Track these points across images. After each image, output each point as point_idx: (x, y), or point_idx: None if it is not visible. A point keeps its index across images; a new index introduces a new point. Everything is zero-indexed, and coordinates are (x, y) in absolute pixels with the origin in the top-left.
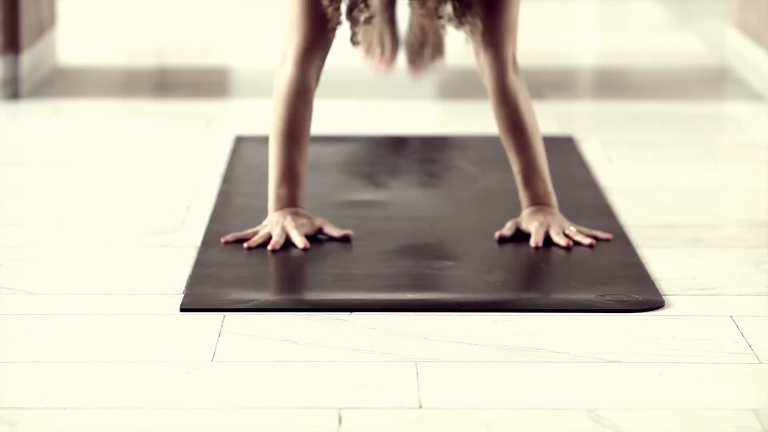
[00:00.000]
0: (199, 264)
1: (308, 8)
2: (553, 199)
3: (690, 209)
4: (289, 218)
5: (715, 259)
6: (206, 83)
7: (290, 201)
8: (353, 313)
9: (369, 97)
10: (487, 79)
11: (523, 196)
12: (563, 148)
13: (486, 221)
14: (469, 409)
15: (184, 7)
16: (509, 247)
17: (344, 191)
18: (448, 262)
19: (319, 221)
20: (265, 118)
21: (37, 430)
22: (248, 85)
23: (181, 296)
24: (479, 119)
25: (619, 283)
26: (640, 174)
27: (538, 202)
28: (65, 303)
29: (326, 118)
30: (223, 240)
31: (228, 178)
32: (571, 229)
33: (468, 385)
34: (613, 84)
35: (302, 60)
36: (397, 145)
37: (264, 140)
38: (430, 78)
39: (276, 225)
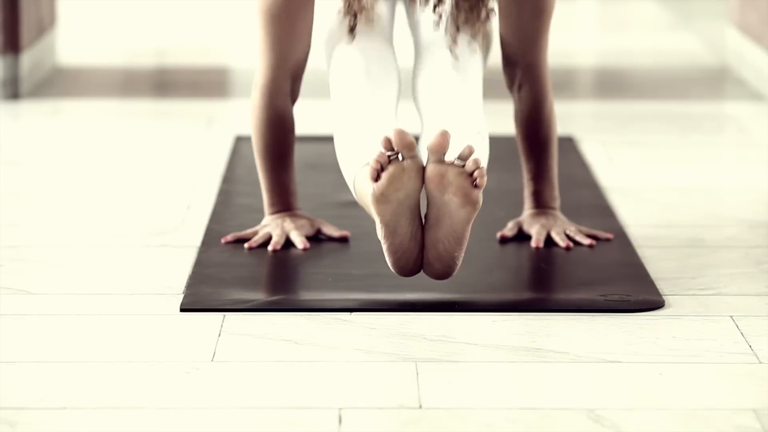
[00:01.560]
0: (199, 264)
1: (271, 38)
2: (557, 203)
3: (690, 209)
4: (288, 219)
5: (715, 259)
6: (206, 83)
7: (286, 205)
8: (353, 313)
9: None
10: (522, 96)
11: (528, 198)
12: (563, 148)
13: (486, 221)
14: (469, 409)
15: (184, 7)
16: (510, 248)
17: (344, 191)
18: None
19: (317, 222)
20: None
21: (37, 430)
22: (248, 85)
23: (181, 296)
24: None
25: (619, 283)
26: (640, 174)
27: (543, 205)
28: (65, 303)
29: (326, 118)
30: (223, 240)
31: (228, 178)
32: (572, 230)
33: (468, 385)
34: (613, 84)
35: (268, 90)
36: None
37: None
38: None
39: (276, 226)
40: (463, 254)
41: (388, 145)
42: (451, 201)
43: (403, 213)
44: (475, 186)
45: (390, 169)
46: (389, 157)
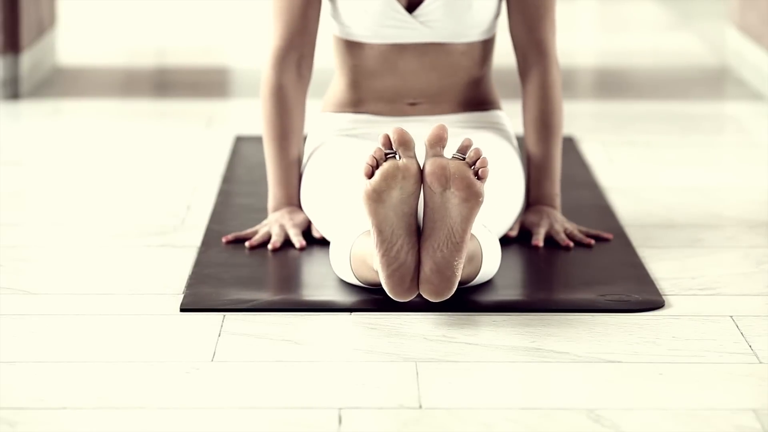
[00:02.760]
0: (199, 264)
1: (280, 10)
2: (558, 202)
3: (690, 209)
4: (287, 217)
5: (715, 259)
6: (206, 83)
7: (286, 200)
8: (353, 313)
9: None
10: (532, 75)
11: (529, 195)
12: (563, 148)
13: None
14: (469, 409)
15: (184, 7)
16: (509, 247)
17: None
18: None
19: None
20: None
21: (37, 430)
22: (248, 85)
23: (181, 296)
24: None
25: (619, 283)
26: (640, 174)
27: (543, 202)
28: (65, 303)
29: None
30: (224, 240)
31: (228, 178)
32: (571, 229)
33: (468, 385)
34: (613, 84)
35: (274, 62)
36: None
37: None
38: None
39: (275, 224)
40: (462, 264)
41: (387, 142)
42: (453, 196)
43: (397, 219)
44: (478, 177)
45: (385, 166)
46: (386, 154)
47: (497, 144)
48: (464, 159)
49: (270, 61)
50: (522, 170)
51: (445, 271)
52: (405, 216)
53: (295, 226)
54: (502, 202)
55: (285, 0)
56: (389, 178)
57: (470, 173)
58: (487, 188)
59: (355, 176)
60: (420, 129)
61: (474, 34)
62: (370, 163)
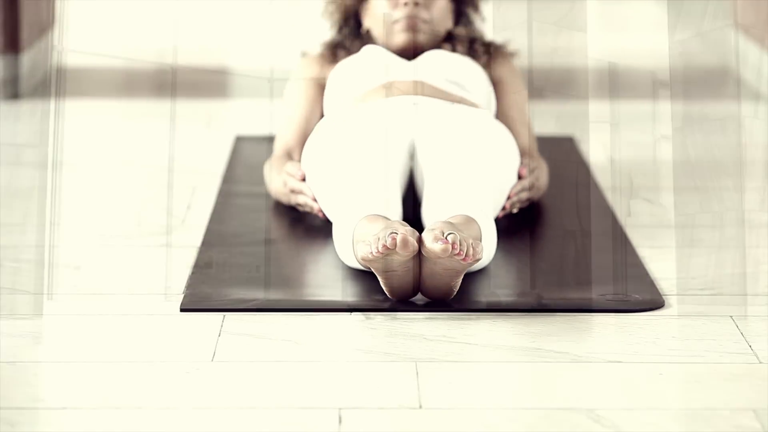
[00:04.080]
0: (199, 264)
1: (291, 122)
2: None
3: (690, 209)
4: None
5: (715, 259)
6: (206, 83)
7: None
8: (353, 313)
9: None
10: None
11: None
12: (563, 148)
13: None
14: (469, 409)
15: (184, 7)
16: (509, 247)
17: None
18: None
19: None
20: (265, 118)
21: (37, 430)
22: (248, 85)
23: (181, 296)
24: None
25: (619, 283)
26: (640, 174)
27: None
28: (66, 303)
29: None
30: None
31: (228, 178)
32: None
33: (468, 385)
34: (613, 84)
35: (279, 156)
36: None
37: (264, 140)
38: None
39: (287, 194)
40: (460, 281)
41: (393, 243)
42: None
43: (395, 264)
44: (475, 260)
45: (384, 253)
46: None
47: (489, 120)
48: (452, 233)
49: (275, 156)
50: (514, 144)
51: (443, 287)
52: (403, 263)
53: (287, 172)
54: (497, 180)
55: (288, 112)
56: (386, 260)
57: (461, 262)
58: (483, 169)
59: (356, 157)
60: (413, 102)
61: (465, 90)
62: (373, 252)
